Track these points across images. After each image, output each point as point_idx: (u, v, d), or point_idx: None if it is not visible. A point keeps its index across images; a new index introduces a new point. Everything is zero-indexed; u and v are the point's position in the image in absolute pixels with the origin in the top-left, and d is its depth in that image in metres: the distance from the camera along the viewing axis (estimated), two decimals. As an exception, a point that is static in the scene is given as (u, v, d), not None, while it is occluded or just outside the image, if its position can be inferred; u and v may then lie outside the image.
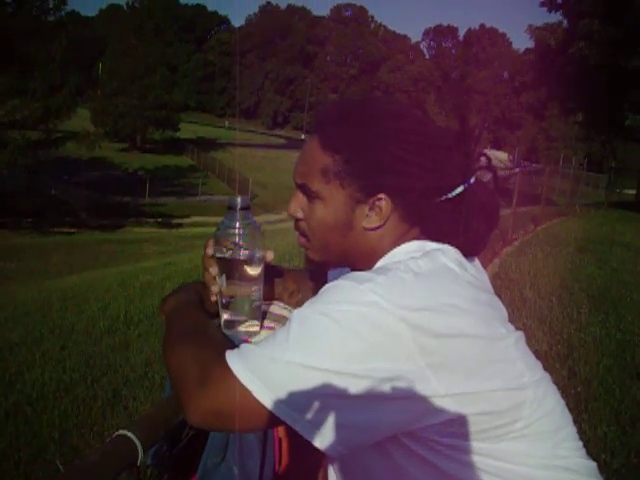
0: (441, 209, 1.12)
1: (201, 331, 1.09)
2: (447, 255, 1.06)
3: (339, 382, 0.88)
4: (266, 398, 0.90)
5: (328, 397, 0.89)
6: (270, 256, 1.24)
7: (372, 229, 1.13)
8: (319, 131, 1.15)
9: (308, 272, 1.50)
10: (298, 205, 1.18)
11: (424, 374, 0.90)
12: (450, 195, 1.12)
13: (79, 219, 27.66)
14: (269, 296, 1.42)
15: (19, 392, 4.38)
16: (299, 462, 1.26)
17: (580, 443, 1.06)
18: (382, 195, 1.10)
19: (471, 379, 0.93)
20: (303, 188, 1.15)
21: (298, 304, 1.39)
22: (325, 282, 1.38)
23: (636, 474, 3.25)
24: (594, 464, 1.06)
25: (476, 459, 0.96)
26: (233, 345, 1.02)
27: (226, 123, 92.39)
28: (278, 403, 0.89)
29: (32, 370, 4.81)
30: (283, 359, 0.90)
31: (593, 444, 3.49)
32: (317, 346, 0.90)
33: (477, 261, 1.18)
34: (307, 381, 0.89)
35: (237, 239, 1.17)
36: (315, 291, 1.42)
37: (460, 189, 1.12)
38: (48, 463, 3.35)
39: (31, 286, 10.83)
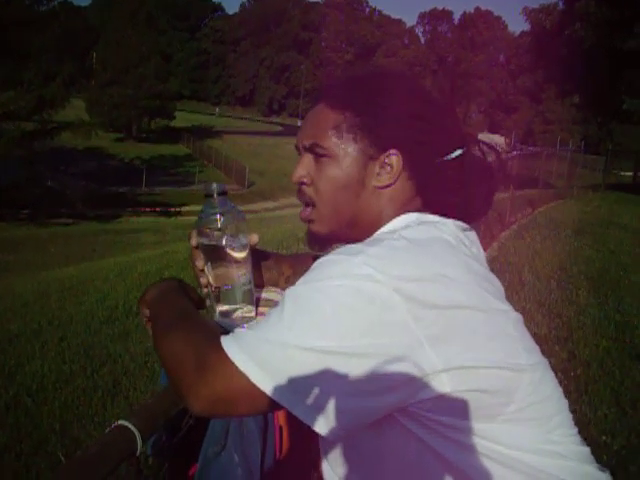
0: (444, 169, 1.13)
1: (189, 317, 1.07)
2: (444, 227, 1.07)
3: (336, 362, 0.87)
4: (264, 383, 0.88)
5: (326, 379, 0.88)
6: (255, 239, 1.24)
7: (383, 187, 1.12)
8: (325, 96, 1.18)
9: (305, 257, 1.49)
10: (304, 169, 1.17)
11: (421, 346, 0.88)
12: (451, 156, 1.14)
13: (76, 210, 27.61)
14: (264, 282, 1.41)
15: (19, 384, 4.38)
16: (300, 449, 1.26)
17: (575, 429, 1.05)
18: (393, 150, 1.11)
19: (468, 352, 0.92)
20: (312, 149, 1.14)
21: None
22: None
23: (637, 455, 3.26)
24: (587, 449, 1.05)
25: (468, 438, 0.95)
26: (224, 330, 1.01)
27: (217, 110, 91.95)
28: (276, 387, 0.88)
29: (32, 362, 4.81)
30: (279, 341, 0.89)
31: (594, 426, 3.50)
32: (312, 326, 0.89)
33: (475, 235, 1.17)
34: (304, 363, 0.88)
35: (219, 225, 1.17)
36: None
37: (459, 151, 1.14)
38: (49, 454, 3.35)
39: (29, 278, 10.82)
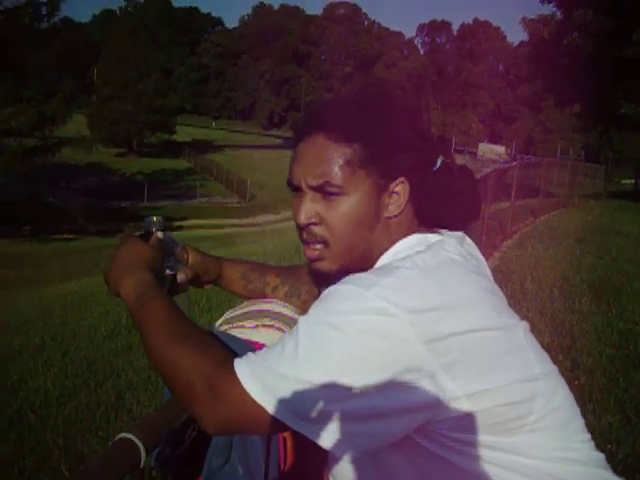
0: (435, 180, 1.13)
1: (188, 330, 1.04)
2: (448, 246, 1.07)
3: (354, 396, 0.89)
4: (282, 414, 0.91)
5: (343, 410, 0.89)
6: (180, 277, 1.30)
7: (393, 217, 1.11)
8: (323, 128, 1.10)
9: (298, 268, 1.49)
10: (312, 209, 1.10)
11: (438, 376, 0.89)
12: (437, 166, 1.15)
13: (78, 225, 27.64)
14: (248, 293, 1.42)
15: (23, 399, 4.37)
16: (304, 461, 1.25)
17: (589, 435, 1.05)
18: (401, 178, 1.10)
19: (487, 375, 0.93)
20: (322, 188, 1.08)
21: (287, 296, 1.41)
22: (312, 273, 1.37)
23: (642, 463, 3.25)
24: (602, 455, 1.05)
25: (489, 453, 0.95)
26: (229, 347, 1.03)
27: (213, 124, 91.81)
28: (294, 418, 0.91)
29: (35, 377, 4.80)
30: (294, 376, 0.90)
31: (598, 434, 3.48)
32: (328, 362, 0.90)
33: (473, 246, 1.18)
34: (321, 396, 0.89)
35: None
36: (301, 283, 1.43)
37: (440, 161, 1.15)
38: (53, 470, 3.34)
39: (31, 293, 10.82)
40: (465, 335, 0.92)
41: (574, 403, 1.06)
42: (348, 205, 1.08)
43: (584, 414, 3.32)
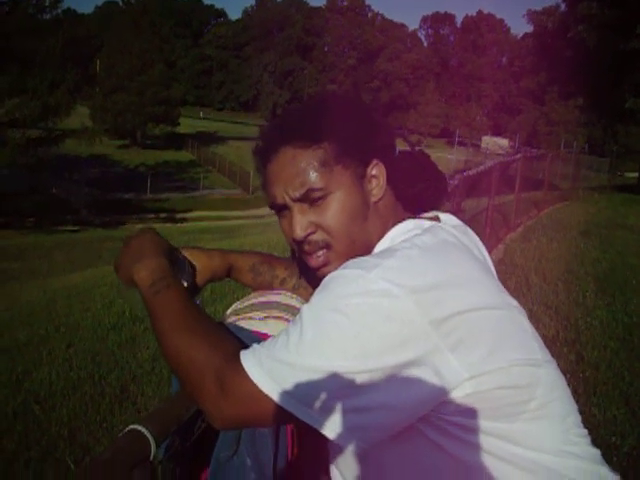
0: (403, 162, 1.18)
1: (199, 320, 1.05)
2: (443, 231, 1.07)
3: (362, 381, 0.88)
4: (291, 405, 0.90)
5: (352, 397, 0.89)
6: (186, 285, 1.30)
7: (379, 200, 1.14)
8: (288, 140, 1.11)
9: None
10: (304, 220, 1.11)
11: (444, 355, 0.89)
12: (396, 153, 1.19)
13: (81, 217, 27.69)
14: (257, 286, 1.42)
15: (27, 391, 4.38)
16: (311, 450, 1.25)
17: (586, 431, 1.05)
18: (375, 160, 1.13)
19: (490, 355, 0.92)
20: (307, 196, 1.09)
21: (294, 288, 1.41)
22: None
23: (648, 456, 3.24)
24: (599, 451, 1.05)
25: (486, 441, 0.94)
26: (238, 339, 1.05)
27: (201, 114, 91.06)
28: (302, 408, 0.90)
29: (39, 369, 4.80)
30: (301, 364, 0.90)
31: (603, 427, 3.49)
32: (334, 348, 0.89)
33: (472, 232, 1.19)
34: (329, 384, 0.88)
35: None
36: (309, 275, 1.43)
37: (397, 149, 1.20)
38: (58, 461, 3.35)
39: (35, 285, 10.84)
40: (470, 313, 0.91)
41: (572, 398, 1.07)
42: (337, 202, 1.09)
43: (589, 407, 3.34)
